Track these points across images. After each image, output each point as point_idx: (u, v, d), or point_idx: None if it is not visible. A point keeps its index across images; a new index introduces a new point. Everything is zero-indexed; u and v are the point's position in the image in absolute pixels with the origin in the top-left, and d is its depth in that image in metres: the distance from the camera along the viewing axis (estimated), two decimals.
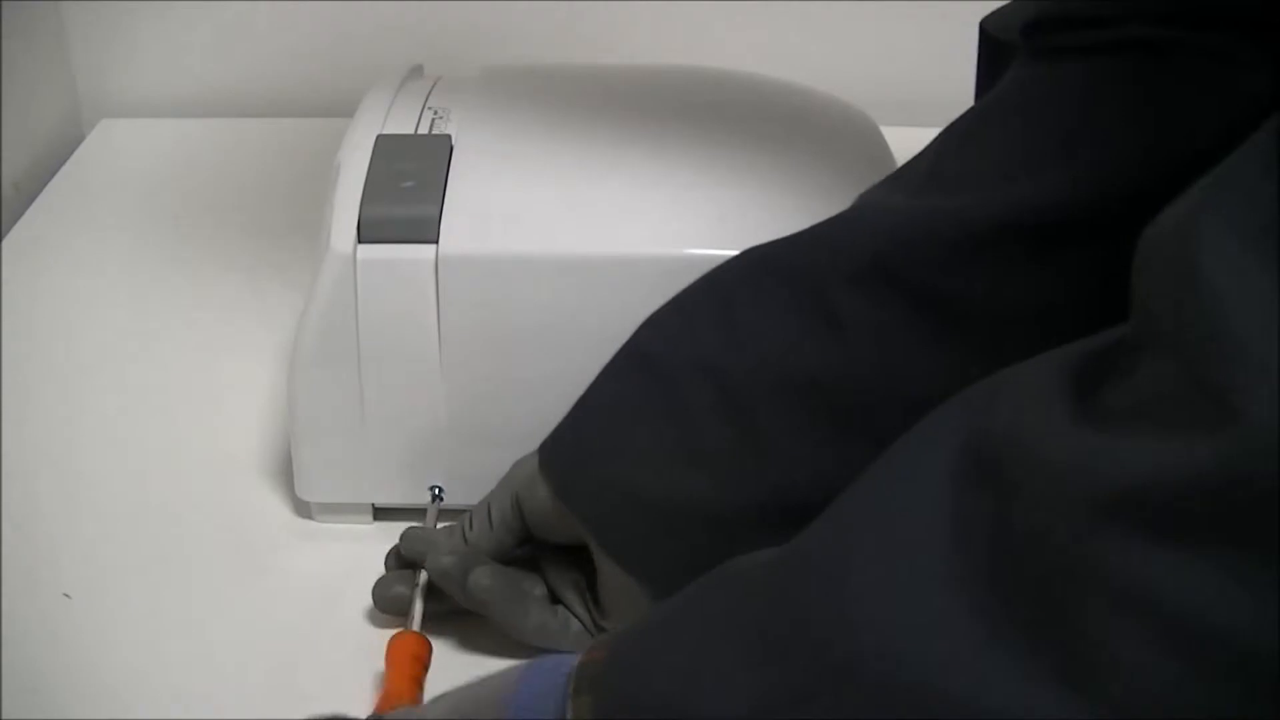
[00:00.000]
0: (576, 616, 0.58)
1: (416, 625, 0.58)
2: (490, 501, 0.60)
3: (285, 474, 0.67)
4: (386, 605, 0.60)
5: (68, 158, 0.99)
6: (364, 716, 0.50)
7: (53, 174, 0.96)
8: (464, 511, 0.63)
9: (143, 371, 0.76)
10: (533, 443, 0.62)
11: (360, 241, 0.61)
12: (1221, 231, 0.33)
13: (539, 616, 0.58)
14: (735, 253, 0.60)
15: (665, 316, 0.58)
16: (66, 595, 0.61)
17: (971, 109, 0.58)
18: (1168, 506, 0.32)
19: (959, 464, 0.37)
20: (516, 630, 0.58)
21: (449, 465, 0.64)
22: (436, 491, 0.64)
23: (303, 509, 0.66)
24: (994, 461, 0.36)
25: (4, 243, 0.88)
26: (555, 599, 0.59)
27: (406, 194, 0.62)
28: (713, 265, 0.60)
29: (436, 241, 0.60)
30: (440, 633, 0.59)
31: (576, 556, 0.58)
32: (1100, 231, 0.49)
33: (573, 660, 0.44)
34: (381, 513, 0.66)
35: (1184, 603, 0.32)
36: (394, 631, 0.58)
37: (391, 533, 0.64)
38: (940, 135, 0.57)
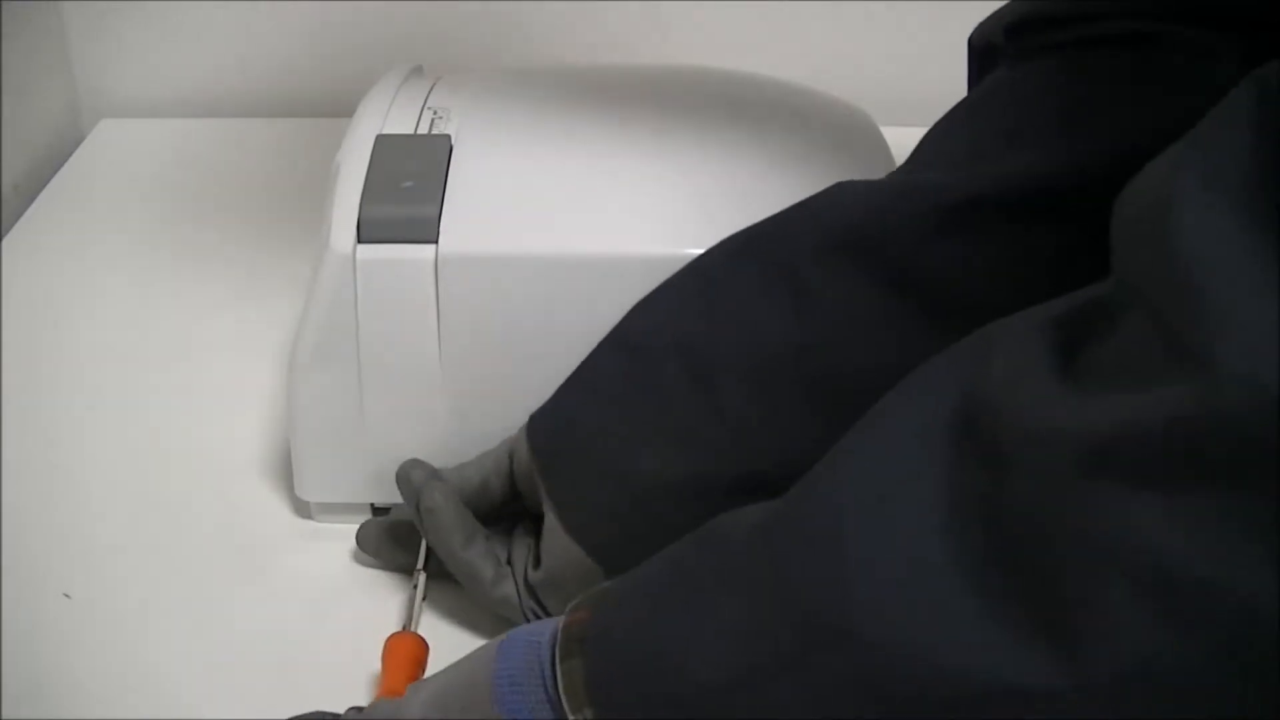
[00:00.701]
0: (512, 567, 0.59)
1: (415, 626, 0.58)
2: (491, 451, 0.61)
3: (285, 474, 0.67)
4: (365, 544, 0.62)
5: (68, 158, 0.99)
6: (345, 712, 0.51)
7: (53, 174, 0.96)
8: None
9: (142, 371, 0.76)
10: None
11: (360, 241, 0.61)
12: (1195, 187, 0.33)
13: (475, 552, 0.58)
14: None
15: (652, 298, 0.58)
16: (66, 595, 0.61)
17: (955, 105, 0.59)
18: (1145, 457, 0.33)
19: (948, 427, 0.38)
20: (448, 556, 0.58)
21: (448, 464, 0.64)
22: None
23: (302, 509, 0.66)
24: (981, 425, 0.37)
25: (4, 243, 0.88)
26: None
27: (406, 194, 0.62)
28: None
29: (436, 242, 0.60)
30: (437, 633, 0.59)
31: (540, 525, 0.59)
32: (1074, 209, 0.49)
33: (549, 628, 0.45)
34: (381, 513, 0.66)
35: (1166, 552, 0.32)
36: (391, 632, 0.58)
37: None
38: (925, 133, 0.58)
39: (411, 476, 0.60)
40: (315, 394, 0.63)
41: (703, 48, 1.00)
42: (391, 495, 0.64)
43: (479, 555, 0.58)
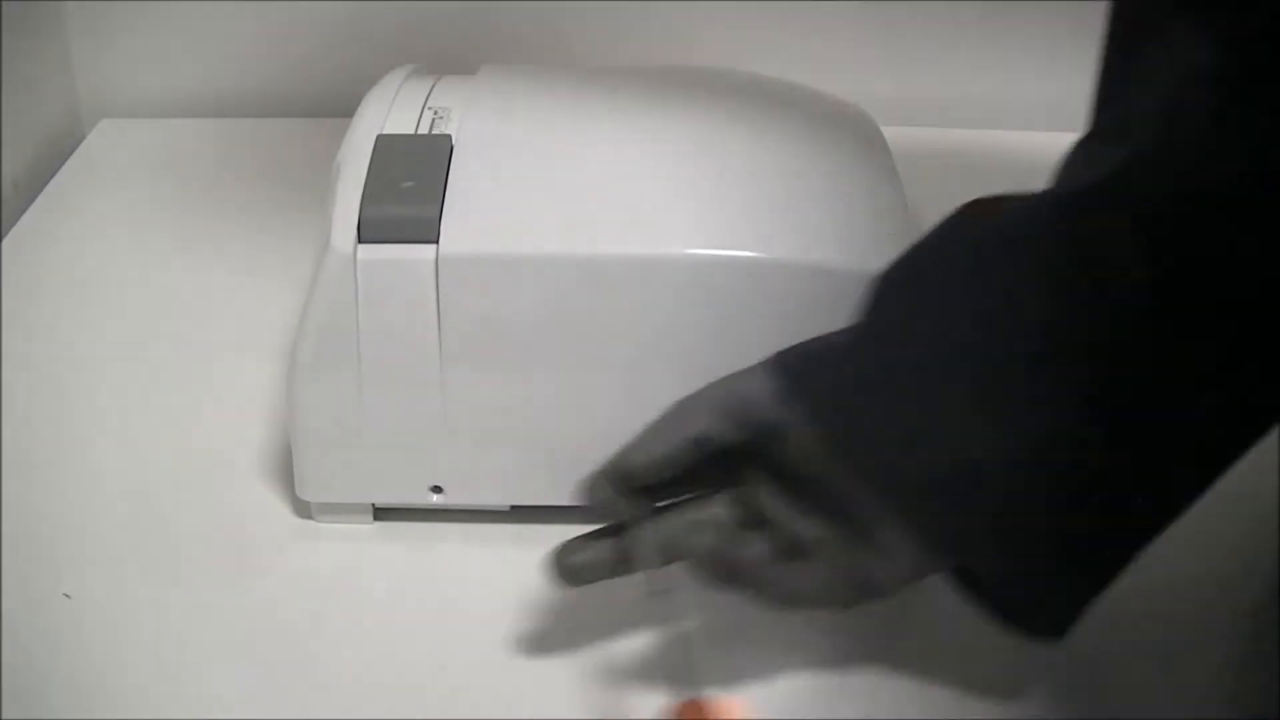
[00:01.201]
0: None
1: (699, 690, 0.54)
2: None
3: (285, 474, 0.67)
4: (570, 575, 0.56)
5: (68, 158, 0.99)
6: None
7: (53, 174, 0.96)
8: (466, 510, 0.63)
9: (142, 371, 0.76)
10: (534, 441, 0.61)
11: (360, 241, 0.61)
12: None
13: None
14: (735, 253, 0.60)
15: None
16: (66, 595, 0.61)
17: None
18: None
19: None
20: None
21: (449, 464, 0.64)
22: (437, 489, 0.64)
23: (303, 509, 0.66)
24: None
25: (4, 243, 0.88)
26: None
27: (406, 194, 0.62)
28: (713, 265, 0.60)
29: (437, 241, 0.60)
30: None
31: None
32: None
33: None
34: (382, 513, 0.66)
35: None
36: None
37: (392, 533, 0.64)
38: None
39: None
40: (315, 394, 0.63)
41: (703, 48, 1.00)
42: (392, 495, 0.64)
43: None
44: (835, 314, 0.55)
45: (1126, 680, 0.58)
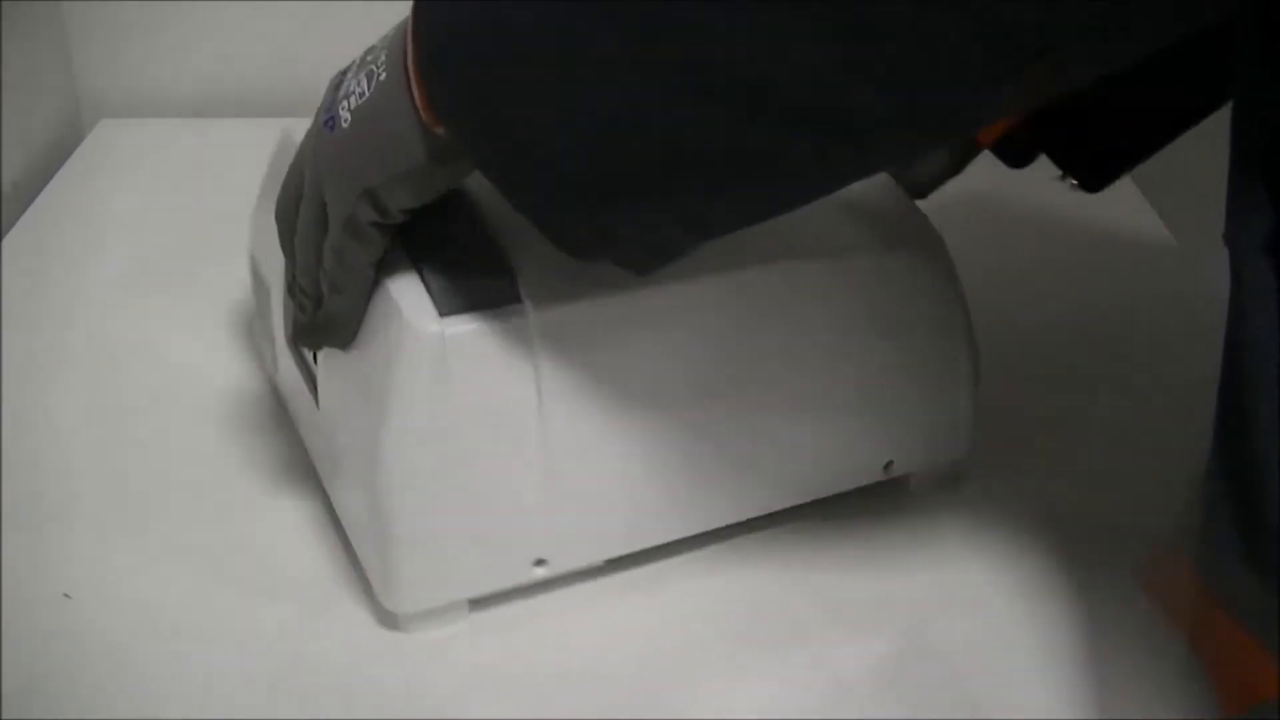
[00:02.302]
0: None
1: None
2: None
3: (287, 473, 0.67)
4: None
5: (67, 158, 0.99)
6: None
7: (53, 174, 0.96)
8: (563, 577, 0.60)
9: (143, 372, 0.76)
10: (644, 485, 0.59)
11: (443, 315, 0.54)
12: None
13: None
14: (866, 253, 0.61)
15: None
16: (66, 595, 0.61)
17: None
18: None
19: None
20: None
21: (553, 532, 0.58)
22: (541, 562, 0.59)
23: (387, 618, 0.60)
24: None
25: (4, 243, 0.88)
26: None
27: (464, 254, 0.56)
28: (832, 271, 0.61)
29: (520, 300, 0.55)
30: None
31: None
32: None
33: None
34: (475, 603, 0.60)
35: None
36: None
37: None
38: None
39: None
40: (412, 497, 0.56)
41: None
42: (492, 582, 0.59)
43: None
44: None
45: (1126, 679, 0.58)
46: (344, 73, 0.54)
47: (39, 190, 0.94)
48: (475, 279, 0.55)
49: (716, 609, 0.61)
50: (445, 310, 0.54)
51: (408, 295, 0.55)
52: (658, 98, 0.44)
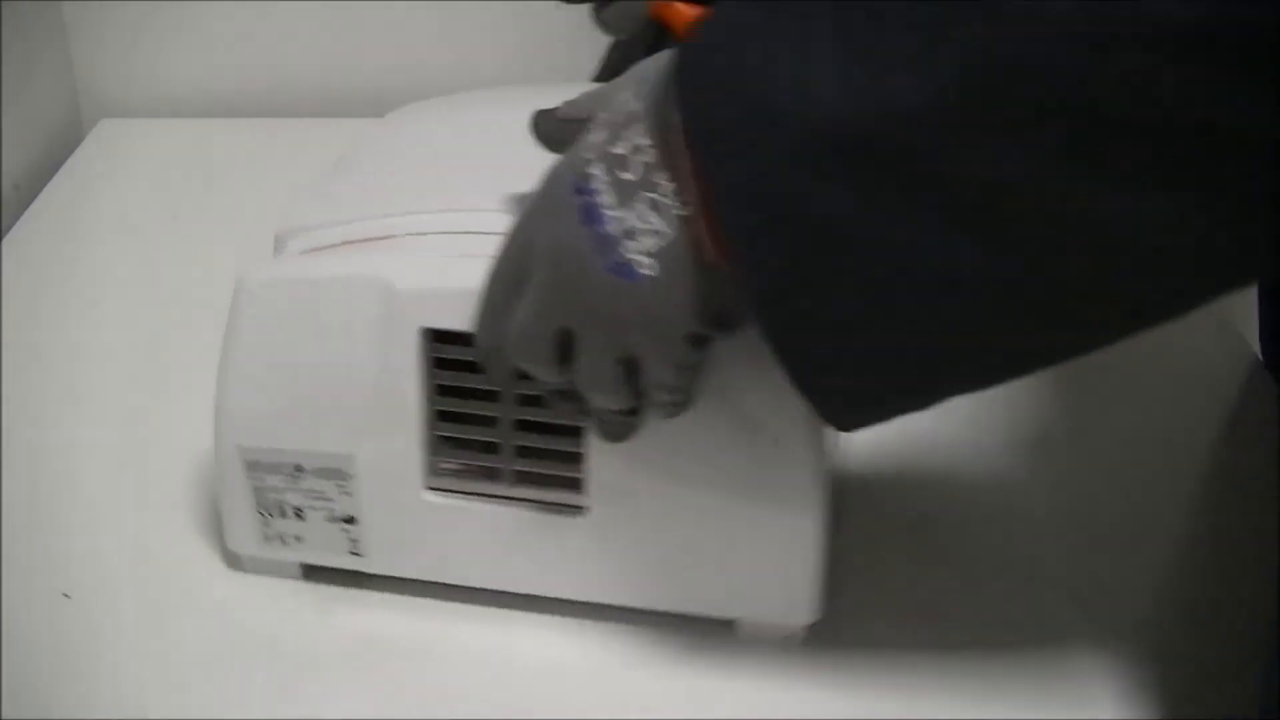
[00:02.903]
0: None
1: None
2: None
3: None
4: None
5: (68, 158, 0.99)
6: None
7: (53, 174, 0.96)
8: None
9: (142, 372, 0.76)
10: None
11: None
12: None
13: None
14: None
15: None
16: (66, 595, 0.61)
17: None
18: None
19: None
20: None
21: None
22: None
23: None
24: None
25: (4, 243, 0.88)
26: None
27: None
28: None
29: None
30: None
31: None
32: None
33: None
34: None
35: None
36: None
37: None
38: None
39: None
40: None
41: None
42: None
43: None
44: None
45: (1126, 678, 0.58)
46: (585, 172, 0.47)
47: (39, 190, 0.94)
48: None
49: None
50: None
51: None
52: (1021, 321, 0.42)
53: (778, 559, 0.56)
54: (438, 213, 0.59)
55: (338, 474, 0.58)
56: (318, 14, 1.02)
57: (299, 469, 0.58)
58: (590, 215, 0.46)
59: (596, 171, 0.46)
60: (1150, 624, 0.61)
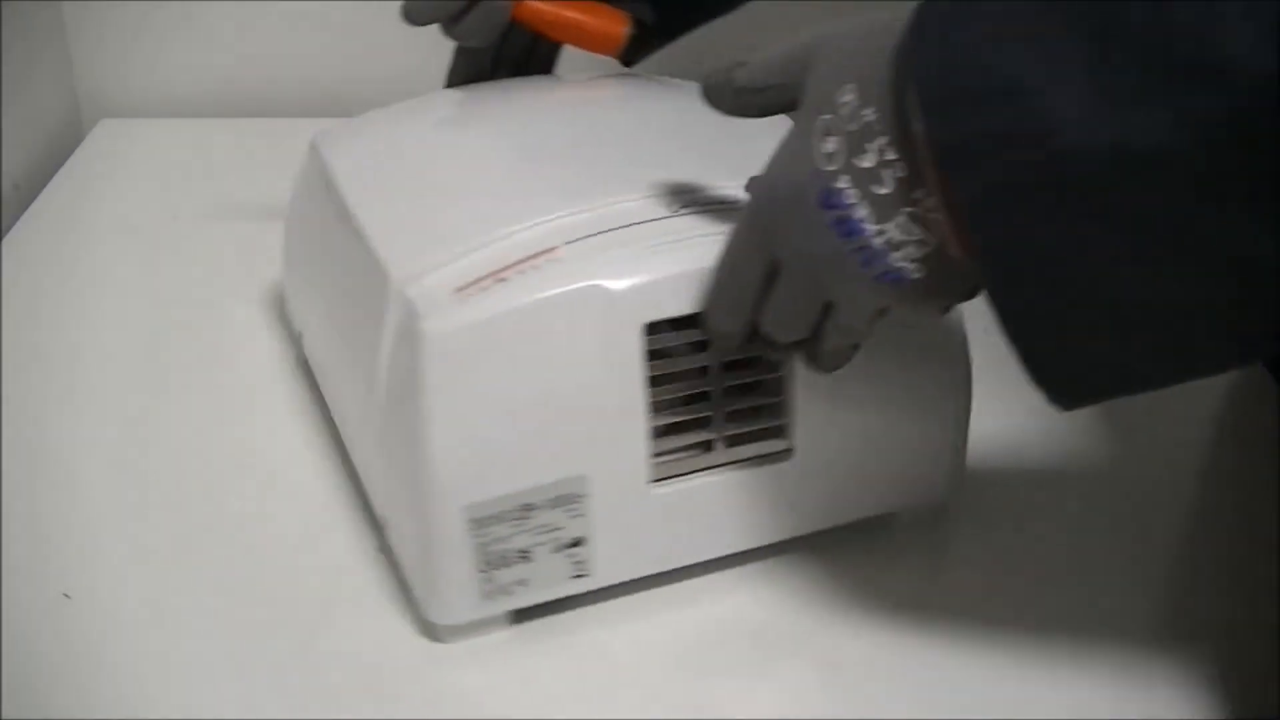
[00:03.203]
0: None
1: None
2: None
3: (283, 467, 0.67)
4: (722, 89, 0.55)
5: (68, 158, 0.99)
6: None
7: (53, 174, 0.96)
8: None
9: (142, 372, 0.76)
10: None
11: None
12: None
13: None
14: None
15: None
16: (66, 595, 0.61)
17: None
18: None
19: None
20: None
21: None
22: None
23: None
24: None
25: (4, 243, 0.88)
26: None
27: None
28: None
29: None
30: None
31: None
32: None
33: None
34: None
35: None
36: None
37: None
38: None
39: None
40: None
41: (700, 48, 1.00)
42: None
43: None
44: None
45: (1125, 674, 0.58)
46: (831, 186, 0.49)
47: (39, 190, 0.94)
48: None
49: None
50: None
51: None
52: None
53: (934, 444, 0.63)
54: (571, 214, 0.58)
55: (569, 499, 0.57)
56: (318, 14, 1.02)
57: (528, 508, 0.56)
58: (849, 229, 0.49)
59: (844, 185, 0.48)
60: (1147, 624, 0.61)
